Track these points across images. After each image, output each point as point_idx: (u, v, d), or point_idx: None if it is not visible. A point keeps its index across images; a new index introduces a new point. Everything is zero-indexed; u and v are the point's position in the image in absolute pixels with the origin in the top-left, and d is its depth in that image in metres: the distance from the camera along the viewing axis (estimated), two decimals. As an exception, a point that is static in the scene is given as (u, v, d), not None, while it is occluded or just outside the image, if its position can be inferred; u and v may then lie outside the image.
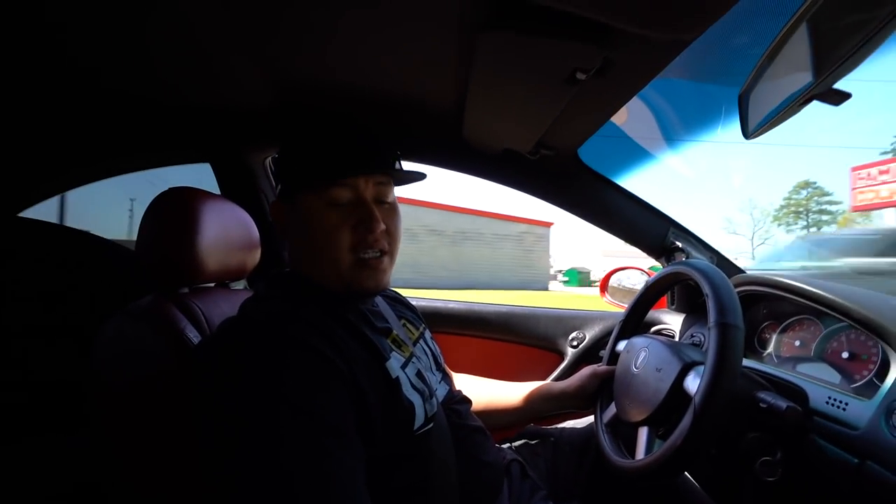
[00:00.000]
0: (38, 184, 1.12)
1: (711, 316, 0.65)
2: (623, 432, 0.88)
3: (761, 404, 0.66)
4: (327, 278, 0.65)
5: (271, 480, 0.44)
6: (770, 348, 0.95)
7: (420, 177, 0.71)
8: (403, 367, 0.65)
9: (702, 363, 0.71)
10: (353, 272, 0.64)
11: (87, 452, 0.76)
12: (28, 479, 0.78)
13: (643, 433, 0.74)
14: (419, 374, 0.67)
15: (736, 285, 0.97)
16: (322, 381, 0.52)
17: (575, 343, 1.35)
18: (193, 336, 0.61)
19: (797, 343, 0.89)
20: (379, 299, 0.78)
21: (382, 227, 0.65)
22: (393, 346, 0.67)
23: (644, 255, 1.22)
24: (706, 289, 0.69)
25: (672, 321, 1.21)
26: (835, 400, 0.69)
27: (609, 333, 1.31)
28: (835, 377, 0.78)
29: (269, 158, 1.20)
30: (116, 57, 0.78)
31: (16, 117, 0.97)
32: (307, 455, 0.47)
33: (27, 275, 0.93)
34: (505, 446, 0.95)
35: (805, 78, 0.44)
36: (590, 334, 1.35)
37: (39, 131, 1.02)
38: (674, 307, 1.25)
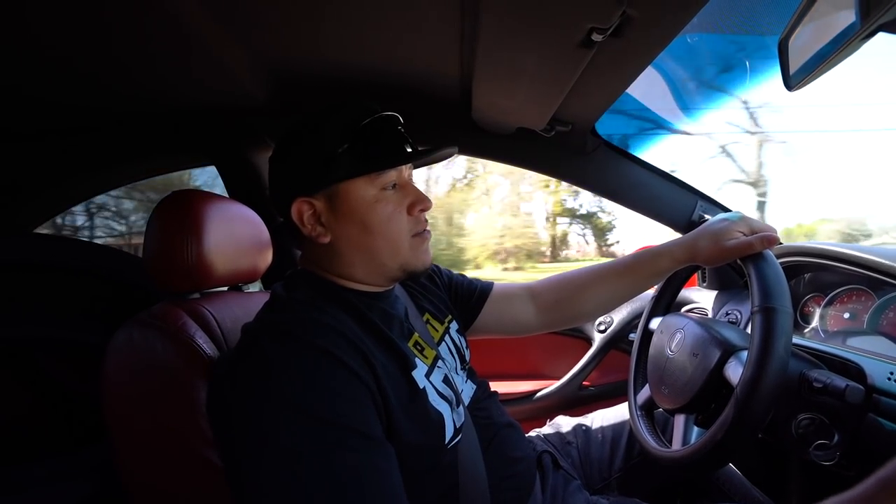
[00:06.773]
0: (46, 197, 1.12)
1: (755, 299, 0.59)
2: (659, 415, 0.84)
3: (815, 384, 0.61)
4: (379, 266, 0.63)
5: (300, 495, 0.44)
6: (815, 322, 0.88)
7: (439, 159, 0.71)
8: (428, 374, 0.62)
9: (743, 348, 0.66)
10: (412, 251, 0.64)
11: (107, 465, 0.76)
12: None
13: (680, 420, 0.70)
14: (446, 380, 0.64)
15: (776, 257, 0.91)
16: (349, 393, 0.50)
17: (602, 327, 1.30)
18: (204, 342, 0.59)
19: (846, 315, 0.83)
20: (401, 292, 0.73)
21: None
22: (416, 351, 0.63)
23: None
24: (748, 268, 0.63)
25: (703, 299, 1.15)
26: None
27: (637, 316, 1.26)
28: (894, 350, 0.72)
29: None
30: (115, 64, 0.76)
31: (17, 132, 0.97)
32: (341, 468, 0.46)
33: (41, 289, 0.93)
34: (533, 434, 0.92)
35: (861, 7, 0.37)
36: (617, 318, 1.30)
37: (42, 144, 1.02)
38: (705, 284, 1.19)
